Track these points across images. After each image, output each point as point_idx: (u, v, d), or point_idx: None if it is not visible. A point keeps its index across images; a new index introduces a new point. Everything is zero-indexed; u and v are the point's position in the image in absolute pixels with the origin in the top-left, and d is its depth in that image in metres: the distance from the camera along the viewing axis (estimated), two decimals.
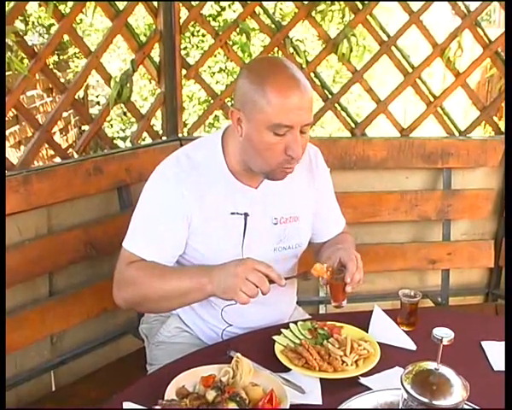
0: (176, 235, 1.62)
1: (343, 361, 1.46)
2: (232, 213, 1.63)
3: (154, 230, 1.61)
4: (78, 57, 6.18)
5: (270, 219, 1.69)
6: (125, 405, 1.25)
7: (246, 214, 1.64)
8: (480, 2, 2.85)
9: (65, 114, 5.13)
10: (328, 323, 1.62)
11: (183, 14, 2.64)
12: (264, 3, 2.80)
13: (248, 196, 1.65)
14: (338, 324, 1.62)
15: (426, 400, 1.10)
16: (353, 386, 1.39)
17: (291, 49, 2.77)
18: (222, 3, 5.82)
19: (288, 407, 1.27)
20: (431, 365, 1.16)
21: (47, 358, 2.25)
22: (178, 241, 1.63)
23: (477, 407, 1.27)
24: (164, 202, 1.61)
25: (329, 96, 2.87)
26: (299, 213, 1.74)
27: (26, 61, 2.22)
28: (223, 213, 1.63)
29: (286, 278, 1.50)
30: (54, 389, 2.28)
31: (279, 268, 1.70)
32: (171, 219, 1.60)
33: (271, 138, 1.51)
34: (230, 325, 1.71)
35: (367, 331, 1.63)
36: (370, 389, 1.38)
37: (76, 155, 2.44)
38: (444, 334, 1.16)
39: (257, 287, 1.43)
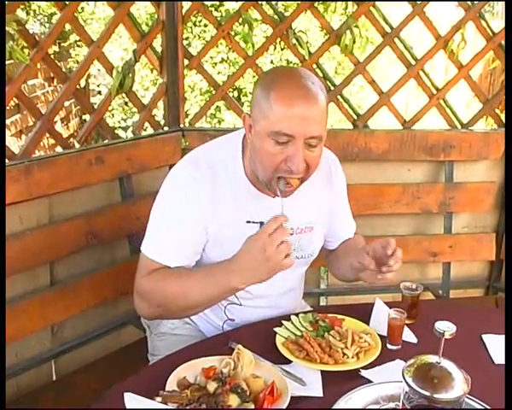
0: (194, 239, 1.59)
1: (344, 354, 1.47)
2: (248, 222, 1.60)
3: (173, 234, 1.57)
4: (79, 46, 6.15)
5: None
6: (126, 395, 1.25)
7: (261, 224, 1.59)
8: None
9: (66, 104, 5.11)
10: (330, 315, 1.63)
11: (186, 3, 2.63)
12: None
13: (265, 205, 1.60)
14: (339, 316, 1.63)
15: (427, 393, 1.10)
16: (354, 378, 1.39)
17: (294, 40, 2.76)
18: None
19: (288, 399, 1.27)
20: (432, 358, 1.16)
21: (48, 347, 2.25)
22: (196, 244, 1.61)
23: (478, 401, 1.27)
24: (181, 207, 1.57)
25: (332, 88, 2.86)
26: (315, 222, 1.71)
27: (27, 50, 2.21)
28: (238, 221, 1.60)
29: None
30: (54, 378, 2.28)
31: (290, 276, 1.66)
32: (188, 223, 1.57)
33: (272, 147, 1.46)
34: (233, 320, 1.70)
35: (368, 324, 1.63)
36: (371, 381, 1.38)
37: (77, 145, 2.44)
38: (446, 328, 1.16)
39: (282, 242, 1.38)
